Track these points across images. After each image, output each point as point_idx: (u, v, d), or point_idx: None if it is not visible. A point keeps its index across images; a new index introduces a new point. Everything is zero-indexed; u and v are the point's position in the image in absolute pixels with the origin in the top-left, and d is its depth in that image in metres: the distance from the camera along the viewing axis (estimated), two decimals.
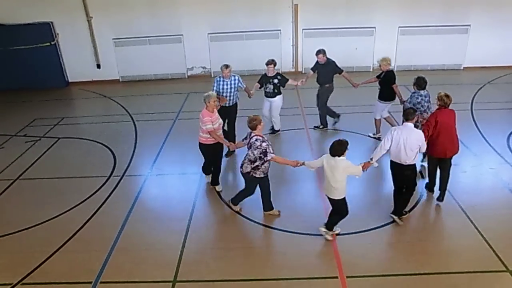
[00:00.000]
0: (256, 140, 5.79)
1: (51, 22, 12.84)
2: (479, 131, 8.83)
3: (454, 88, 11.15)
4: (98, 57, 13.48)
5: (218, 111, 6.96)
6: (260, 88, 8.64)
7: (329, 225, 5.77)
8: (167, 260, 5.54)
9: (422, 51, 12.95)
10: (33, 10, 12.56)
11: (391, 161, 5.95)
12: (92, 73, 13.66)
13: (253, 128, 5.88)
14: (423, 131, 5.88)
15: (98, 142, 9.23)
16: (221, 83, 7.84)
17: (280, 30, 13.08)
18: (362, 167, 5.53)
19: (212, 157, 7.00)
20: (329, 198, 5.58)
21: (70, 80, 13.76)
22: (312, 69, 9.03)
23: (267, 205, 6.33)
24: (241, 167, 6.05)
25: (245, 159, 6.01)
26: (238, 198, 6.45)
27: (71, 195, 7.15)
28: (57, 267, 5.53)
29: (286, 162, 6.05)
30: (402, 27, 12.87)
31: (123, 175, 7.79)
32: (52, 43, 13.01)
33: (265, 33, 13.01)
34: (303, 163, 5.85)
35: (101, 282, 5.22)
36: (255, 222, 6.24)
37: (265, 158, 5.78)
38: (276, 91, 8.55)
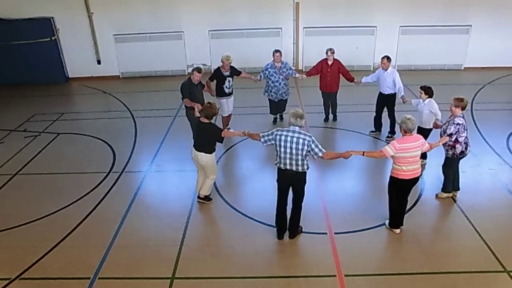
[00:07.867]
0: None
1: (52, 17, 12.81)
2: (479, 132, 8.81)
3: (455, 88, 11.09)
4: (99, 53, 13.46)
5: None
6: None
7: None
8: (165, 257, 5.54)
9: (423, 51, 12.94)
10: (33, 5, 12.53)
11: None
12: (92, 69, 13.64)
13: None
14: None
15: (97, 138, 9.22)
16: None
17: (281, 28, 13.06)
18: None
19: None
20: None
21: (70, 76, 13.74)
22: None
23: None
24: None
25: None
26: None
27: (70, 191, 7.15)
28: (55, 262, 5.52)
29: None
30: (403, 27, 12.85)
31: (122, 171, 7.79)
32: (53, 38, 12.97)
33: (266, 31, 12.99)
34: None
35: (99, 278, 5.22)
36: (253, 219, 6.24)
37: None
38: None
